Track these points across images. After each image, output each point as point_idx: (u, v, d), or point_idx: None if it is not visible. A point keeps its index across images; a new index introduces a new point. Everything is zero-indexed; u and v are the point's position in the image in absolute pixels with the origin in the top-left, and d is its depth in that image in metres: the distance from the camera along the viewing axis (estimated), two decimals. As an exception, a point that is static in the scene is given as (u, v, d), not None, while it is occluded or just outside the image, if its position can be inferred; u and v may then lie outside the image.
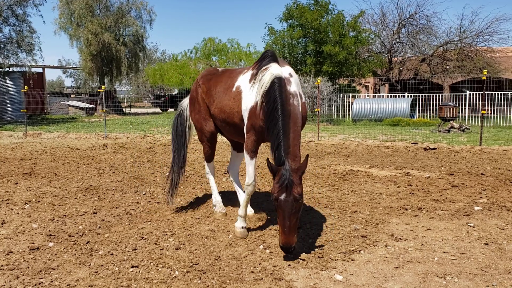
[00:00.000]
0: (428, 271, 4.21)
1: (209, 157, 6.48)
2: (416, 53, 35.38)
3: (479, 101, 26.23)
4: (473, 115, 26.44)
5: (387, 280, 4.04)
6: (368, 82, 40.50)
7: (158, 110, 48.42)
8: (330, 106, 27.20)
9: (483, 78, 14.11)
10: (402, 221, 5.85)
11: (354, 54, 30.60)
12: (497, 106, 26.41)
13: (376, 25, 36.13)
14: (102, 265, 4.40)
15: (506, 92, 26.34)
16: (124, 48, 37.08)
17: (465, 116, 26.03)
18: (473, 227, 5.53)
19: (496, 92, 25.27)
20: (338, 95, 27.59)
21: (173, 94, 54.51)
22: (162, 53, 70.18)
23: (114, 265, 4.39)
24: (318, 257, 4.57)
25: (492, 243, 4.92)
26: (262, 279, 4.06)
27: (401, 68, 36.08)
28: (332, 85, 26.86)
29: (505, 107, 26.55)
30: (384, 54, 35.89)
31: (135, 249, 4.83)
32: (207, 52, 42.63)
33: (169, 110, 47.12)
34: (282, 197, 4.35)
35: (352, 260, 4.53)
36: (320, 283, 4.00)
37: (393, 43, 35.63)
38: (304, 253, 4.64)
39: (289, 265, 4.37)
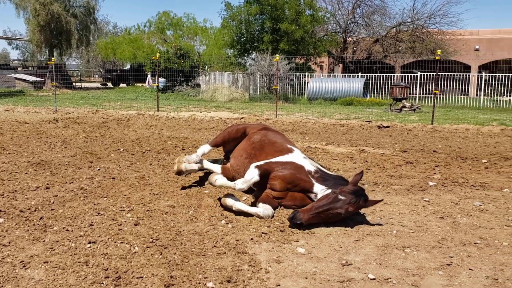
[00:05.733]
0: (388, 244, 4.30)
1: None
2: (370, 34, 35.94)
3: (429, 81, 27.09)
4: (424, 95, 27.27)
5: (348, 253, 4.09)
6: (323, 61, 40.87)
7: (109, 85, 47.12)
8: (286, 85, 27.27)
9: (436, 58, 14.49)
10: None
11: (310, 33, 30.68)
12: (446, 87, 27.37)
13: (332, 4, 36.37)
14: (57, 241, 4.22)
15: (455, 74, 27.29)
16: (75, 20, 35.53)
17: (415, 96, 26.80)
18: (428, 201, 5.70)
19: (446, 73, 26.12)
20: (294, 73, 27.68)
21: (125, 68, 53.14)
22: (114, 26, 68.09)
23: (70, 241, 4.22)
24: (280, 230, 4.57)
25: (447, 217, 5.08)
26: (225, 253, 4.02)
27: (355, 48, 36.59)
28: (289, 63, 26.89)
29: (454, 88, 27.55)
30: (339, 34, 36.23)
31: (91, 225, 4.66)
32: (162, 26, 41.60)
33: (121, 85, 45.94)
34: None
35: (313, 233, 4.56)
36: (283, 256, 4.00)
37: (348, 23, 36.01)
38: (266, 227, 4.64)
39: (252, 239, 4.35)
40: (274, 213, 5.03)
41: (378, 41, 35.06)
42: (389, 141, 10.90)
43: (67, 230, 4.53)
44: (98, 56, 55.26)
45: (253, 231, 4.56)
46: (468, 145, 10.36)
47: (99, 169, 7.27)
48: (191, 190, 6.04)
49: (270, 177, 5.21)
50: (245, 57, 32.47)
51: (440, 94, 26.20)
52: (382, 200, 4.98)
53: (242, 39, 31.57)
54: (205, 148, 6.47)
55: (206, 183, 6.25)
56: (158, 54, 19.82)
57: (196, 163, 6.18)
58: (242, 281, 3.53)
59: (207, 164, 6.27)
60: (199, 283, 3.48)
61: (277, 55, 17.98)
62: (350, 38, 36.77)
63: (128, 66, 51.60)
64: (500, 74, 26.19)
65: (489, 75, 26.80)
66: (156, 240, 4.29)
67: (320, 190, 4.98)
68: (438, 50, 14.49)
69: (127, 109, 18.70)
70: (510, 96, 25.52)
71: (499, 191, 6.28)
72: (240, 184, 5.08)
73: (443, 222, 4.91)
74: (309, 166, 5.26)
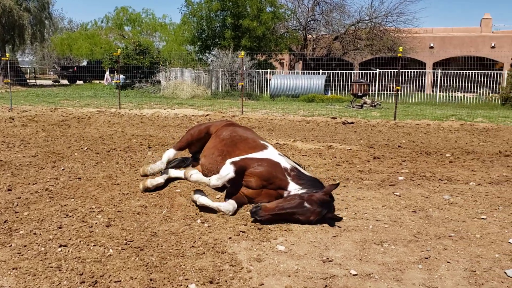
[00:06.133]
0: (365, 239, 4.32)
1: None
2: (330, 31, 36.42)
3: (388, 78, 27.70)
4: (382, 92, 27.86)
5: (328, 249, 4.08)
6: (283, 58, 41.10)
7: (65, 82, 45.76)
8: (249, 82, 27.23)
9: (398, 55, 14.81)
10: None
11: (271, 30, 30.79)
12: (403, 83, 28.08)
13: (292, 2, 36.60)
14: (25, 246, 4.00)
15: (411, 70, 28.03)
16: (28, 14, 34.16)
17: (374, 93, 27.34)
18: (400, 196, 5.78)
19: (403, 70, 26.75)
20: (257, 70, 27.69)
21: (82, 65, 51.68)
22: (69, 21, 65.81)
23: (39, 245, 4.02)
24: (258, 228, 4.51)
25: (419, 211, 5.16)
26: (204, 253, 3.93)
27: (315, 46, 36.99)
28: (251, 60, 26.86)
29: (410, 85, 28.30)
30: (300, 31, 36.53)
31: (60, 228, 4.46)
32: (120, 22, 40.73)
33: (78, 82, 44.70)
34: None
35: (290, 230, 4.52)
36: (263, 254, 3.95)
37: (308, 20, 36.35)
38: (243, 225, 4.58)
39: (230, 238, 4.27)
40: (236, 208, 4.95)
41: (338, 38, 35.57)
42: (354, 137, 11.04)
43: (34, 233, 4.31)
44: (53, 52, 53.52)
45: (231, 229, 4.48)
46: (431, 140, 10.63)
47: (63, 169, 6.99)
48: (162, 189, 5.89)
49: (246, 174, 5.12)
50: (207, 54, 32.24)
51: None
52: (342, 218, 4.82)
53: (203, 36, 31.30)
54: (170, 153, 6.29)
55: (177, 181, 6.11)
56: (119, 50, 19.35)
57: (162, 173, 6.04)
58: (224, 281, 3.45)
59: (174, 173, 6.11)
60: (181, 285, 3.38)
61: (242, 52, 17.89)
62: (310, 36, 37.14)
63: (85, 63, 50.15)
64: (454, 71, 27.09)
65: (444, 72, 27.68)
66: (131, 241, 4.15)
67: (294, 190, 4.90)
68: (400, 47, 14.83)
69: (87, 106, 18.16)
70: (464, 92, 26.44)
71: (465, 184, 6.45)
72: (215, 180, 4.97)
73: (416, 216, 4.99)
74: (285, 163, 5.21)
